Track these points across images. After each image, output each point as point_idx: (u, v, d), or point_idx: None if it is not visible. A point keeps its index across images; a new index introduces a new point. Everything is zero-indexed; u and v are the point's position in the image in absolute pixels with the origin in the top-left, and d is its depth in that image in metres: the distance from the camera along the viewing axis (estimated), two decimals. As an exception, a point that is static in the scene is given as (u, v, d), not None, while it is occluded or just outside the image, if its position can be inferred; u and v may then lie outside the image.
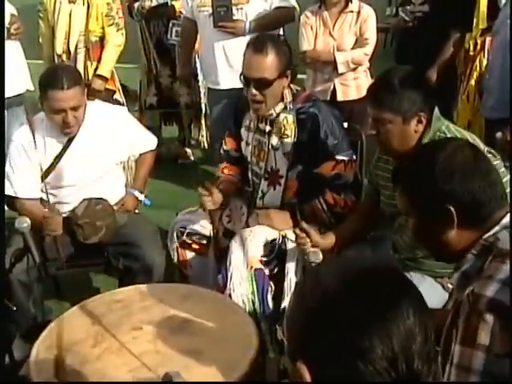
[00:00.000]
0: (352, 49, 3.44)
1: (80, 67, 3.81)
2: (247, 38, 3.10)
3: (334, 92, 3.48)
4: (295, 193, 2.52)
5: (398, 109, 1.99)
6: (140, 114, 4.55)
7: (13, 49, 3.59)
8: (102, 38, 3.86)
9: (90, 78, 3.85)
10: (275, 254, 2.41)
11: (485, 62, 3.33)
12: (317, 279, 0.93)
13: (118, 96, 4.09)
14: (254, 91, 2.38)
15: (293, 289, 2.30)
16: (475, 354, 1.24)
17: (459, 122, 3.35)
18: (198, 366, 1.83)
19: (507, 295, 1.24)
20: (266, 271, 2.37)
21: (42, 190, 2.71)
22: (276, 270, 2.41)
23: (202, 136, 4.64)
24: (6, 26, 3.47)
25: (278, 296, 2.37)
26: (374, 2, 3.86)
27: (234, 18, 3.29)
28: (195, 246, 2.64)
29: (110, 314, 2.12)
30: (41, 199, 2.73)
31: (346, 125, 2.64)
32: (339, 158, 2.42)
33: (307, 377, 0.88)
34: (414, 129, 2.02)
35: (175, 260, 2.67)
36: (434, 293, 2.03)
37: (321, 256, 2.04)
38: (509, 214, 1.39)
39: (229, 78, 3.29)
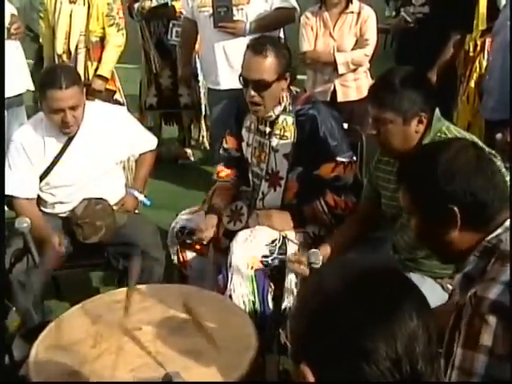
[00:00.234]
0: (352, 50, 3.45)
1: (80, 67, 3.82)
2: (247, 39, 3.10)
3: (334, 93, 3.49)
4: (295, 194, 2.52)
5: (398, 108, 1.99)
6: (140, 114, 4.55)
7: (13, 49, 3.59)
8: (103, 39, 3.86)
9: (91, 78, 3.85)
10: (276, 254, 2.41)
11: (485, 63, 3.33)
12: (319, 281, 0.93)
13: (119, 96, 4.09)
14: (252, 93, 2.38)
15: (293, 289, 2.30)
16: (477, 357, 1.23)
17: (459, 123, 3.35)
18: (198, 366, 1.83)
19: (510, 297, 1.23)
20: (267, 272, 2.37)
21: (41, 190, 2.71)
22: (276, 270, 2.41)
23: (203, 136, 4.64)
24: (6, 26, 3.47)
25: (279, 297, 2.38)
26: (373, 3, 3.85)
27: (235, 18, 3.30)
28: (195, 247, 2.64)
29: (109, 314, 2.12)
30: (40, 199, 2.73)
31: (346, 126, 2.64)
32: (339, 159, 2.41)
33: (311, 378, 0.88)
34: (414, 129, 2.02)
35: (175, 260, 2.67)
36: (433, 294, 2.03)
37: (320, 257, 2.04)
38: None
39: (229, 79, 3.29)
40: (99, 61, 3.86)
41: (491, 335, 1.22)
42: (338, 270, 0.96)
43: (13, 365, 2.19)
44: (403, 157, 1.97)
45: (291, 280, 2.34)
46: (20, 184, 2.65)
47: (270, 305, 2.35)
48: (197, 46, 3.86)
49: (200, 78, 4.29)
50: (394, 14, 4.09)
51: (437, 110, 2.07)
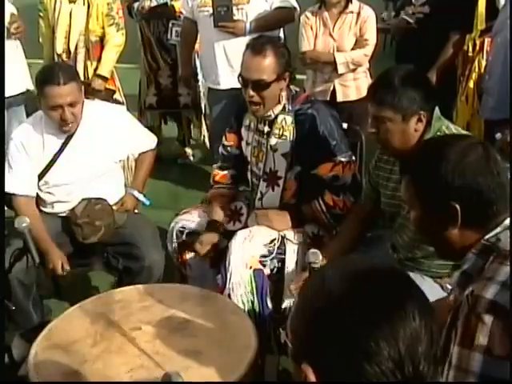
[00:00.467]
0: (352, 49, 3.44)
1: (80, 67, 3.82)
2: (248, 38, 3.10)
3: (333, 93, 3.49)
4: (294, 194, 2.52)
5: (397, 107, 1.99)
6: (140, 113, 4.55)
7: (13, 48, 3.60)
8: (102, 38, 3.87)
9: (90, 77, 3.86)
10: (274, 254, 2.41)
11: (484, 63, 3.33)
12: (321, 281, 0.93)
13: (118, 96, 4.09)
14: (251, 93, 2.38)
15: (292, 289, 2.30)
16: (473, 356, 1.23)
17: (458, 123, 3.34)
18: (197, 366, 1.83)
19: (507, 297, 1.23)
20: (266, 271, 2.37)
21: (40, 189, 2.71)
22: (275, 270, 2.41)
23: (204, 136, 4.64)
24: (6, 26, 3.47)
25: (277, 296, 2.38)
26: (372, 3, 3.85)
27: (235, 18, 3.29)
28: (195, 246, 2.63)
29: (109, 314, 2.12)
30: (39, 198, 2.73)
31: (345, 126, 2.64)
32: (338, 159, 2.42)
33: (312, 378, 0.88)
34: (414, 127, 2.02)
35: (175, 260, 2.67)
36: (432, 293, 2.02)
37: (320, 256, 2.04)
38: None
39: (229, 78, 3.30)
40: (99, 60, 3.87)
41: (487, 334, 1.22)
42: (340, 269, 0.95)
43: (12, 364, 2.20)
44: (403, 155, 1.97)
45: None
46: (19, 182, 2.65)
47: (269, 304, 2.35)
48: (196, 45, 3.86)
49: (200, 77, 4.29)
50: (393, 14, 4.10)
51: (436, 109, 2.07)
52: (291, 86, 2.51)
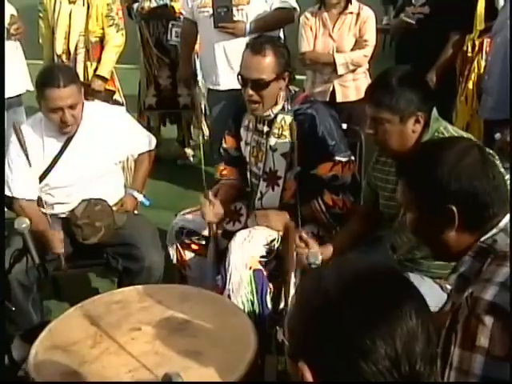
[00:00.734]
0: (351, 50, 3.45)
1: (80, 68, 3.83)
2: (248, 39, 3.11)
3: (333, 93, 3.49)
4: (293, 194, 2.52)
5: (395, 108, 1.99)
6: (139, 114, 4.55)
7: (13, 49, 3.60)
8: (102, 39, 3.87)
9: (90, 78, 3.86)
10: (274, 254, 2.41)
11: (483, 64, 3.33)
12: (319, 280, 0.93)
13: (118, 96, 4.09)
14: (250, 92, 2.39)
15: (292, 289, 2.30)
16: (474, 358, 1.23)
17: (458, 123, 3.35)
18: (197, 366, 1.83)
19: (506, 298, 1.23)
20: (265, 272, 2.37)
21: (40, 191, 2.71)
22: (275, 270, 2.41)
23: (205, 137, 4.64)
24: (6, 27, 3.47)
25: (277, 297, 2.38)
26: (372, 4, 3.85)
27: (235, 18, 3.30)
28: (194, 247, 2.64)
29: (108, 314, 2.12)
30: (39, 200, 2.73)
31: (345, 126, 2.64)
32: (337, 159, 2.42)
33: (309, 377, 0.88)
34: (411, 128, 2.02)
35: (174, 261, 2.67)
36: (432, 293, 2.03)
37: (320, 257, 2.04)
38: (507, 216, 1.39)
39: (229, 79, 3.29)
40: (99, 61, 3.87)
41: (487, 337, 1.22)
42: (337, 269, 0.96)
43: (12, 365, 2.20)
44: (401, 157, 1.97)
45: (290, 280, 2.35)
46: (20, 185, 2.65)
47: (269, 305, 2.35)
48: (196, 46, 3.86)
49: (199, 78, 4.29)
50: (393, 14, 4.09)
51: (434, 110, 2.07)
52: (290, 87, 2.51)
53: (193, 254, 2.64)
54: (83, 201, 2.66)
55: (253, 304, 2.33)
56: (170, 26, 4.22)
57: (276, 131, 2.48)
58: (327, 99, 3.43)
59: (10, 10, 3.60)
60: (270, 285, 2.38)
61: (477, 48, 3.38)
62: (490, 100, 3.05)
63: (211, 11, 3.30)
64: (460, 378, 1.26)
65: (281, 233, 2.45)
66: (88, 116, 2.67)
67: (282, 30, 3.61)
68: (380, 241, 2.33)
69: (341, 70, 3.42)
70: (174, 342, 1.95)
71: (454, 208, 1.37)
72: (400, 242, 2.18)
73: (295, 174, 2.49)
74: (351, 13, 3.44)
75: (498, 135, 2.82)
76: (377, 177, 2.29)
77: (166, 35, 4.26)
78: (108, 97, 3.92)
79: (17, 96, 3.67)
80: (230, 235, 2.50)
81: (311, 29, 3.50)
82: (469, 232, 1.39)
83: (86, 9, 3.79)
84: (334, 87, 3.49)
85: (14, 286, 2.50)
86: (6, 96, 3.40)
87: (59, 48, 3.86)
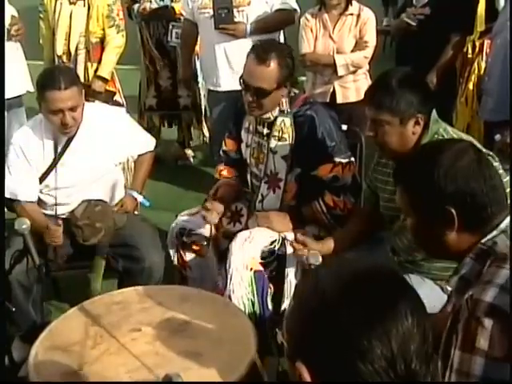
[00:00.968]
0: (352, 51, 3.45)
1: (80, 68, 3.83)
2: (248, 40, 3.11)
3: (333, 94, 3.49)
4: (294, 196, 2.52)
5: (395, 110, 2.00)
6: (139, 115, 4.55)
7: (13, 50, 3.60)
8: (103, 40, 3.87)
9: (91, 79, 3.86)
10: (275, 256, 2.41)
11: (483, 65, 3.33)
12: (316, 281, 0.94)
13: (118, 97, 4.09)
14: (250, 98, 2.38)
15: (292, 291, 2.30)
16: (474, 360, 1.24)
17: (458, 124, 3.35)
18: (197, 367, 1.83)
19: (506, 300, 1.23)
20: (266, 273, 2.37)
21: (41, 192, 2.71)
22: (275, 271, 2.41)
23: (205, 137, 4.64)
24: (7, 28, 3.47)
25: (278, 298, 2.38)
26: (372, 5, 3.86)
27: (235, 20, 3.30)
28: (195, 248, 2.64)
29: (109, 315, 2.12)
30: (39, 201, 2.73)
31: (345, 127, 2.64)
32: (337, 160, 2.42)
33: (307, 377, 0.88)
34: (411, 130, 2.03)
35: (175, 261, 2.67)
36: (433, 295, 2.04)
37: (320, 258, 2.04)
38: (508, 218, 1.39)
39: (229, 80, 3.30)
40: (99, 62, 3.87)
41: (487, 339, 1.22)
42: (334, 269, 0.97)
43: (12, 366, 2.19)
44: (401, 158, 1.97)
45: (291, 281, 2.35)
46: (20, 187, 2.65)
47: (270, 306, 2.35)
48: (196, 47, 3.86)
49: (200, 79, 4.30)
50: (394, 15, 4.10)
51: (434, 112, 2.07)
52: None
53: (193, 255, 2.64)
54: (83, 202, 2.66)
55: (253, 305, 2.33)
56: (170, 27, 4.22)
57: (276, 133, 2.48)
58: (327, 100, 3.44)
59: (10, 10, 3.60)
60: (271, 286, 2.39)
61: (477, 49, 3.38)
62: (490, 101, 3.05)
63: (212, 12, 3.30)
64: (460, 379, 1.26)
65: (282, 234, 2.45)
66: (88, 117, 2.67)
67: (282, 31, 3.62)
68: (380, 242, 2.33)
69: (341, 72, 3.43)
70: (174, 342, 1.95)
71: (452, 210, 1.37)
72: (400, 244, 2.18)
73: (296, 175, 2.49)
74: (351, 14, 3.44)
75: (498, 136, 2.82)
76: (377, 178, 2.29)
77: (167, 36, 4.26)
78: (108, 97, 3.91)
79: (17, 97, 3.67)
80: (230, 236, 2.50)
81: (311, 30, 3.50)
82: (469, 232, 1.39)
83: (86, 9, 3.79)
84: (334, 88, 3.49)
85: (14, 286, 2.50)
86: (7, 97, 3.40)
87: (60, 49, 3.86)
